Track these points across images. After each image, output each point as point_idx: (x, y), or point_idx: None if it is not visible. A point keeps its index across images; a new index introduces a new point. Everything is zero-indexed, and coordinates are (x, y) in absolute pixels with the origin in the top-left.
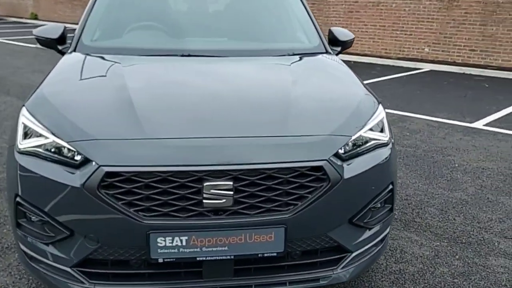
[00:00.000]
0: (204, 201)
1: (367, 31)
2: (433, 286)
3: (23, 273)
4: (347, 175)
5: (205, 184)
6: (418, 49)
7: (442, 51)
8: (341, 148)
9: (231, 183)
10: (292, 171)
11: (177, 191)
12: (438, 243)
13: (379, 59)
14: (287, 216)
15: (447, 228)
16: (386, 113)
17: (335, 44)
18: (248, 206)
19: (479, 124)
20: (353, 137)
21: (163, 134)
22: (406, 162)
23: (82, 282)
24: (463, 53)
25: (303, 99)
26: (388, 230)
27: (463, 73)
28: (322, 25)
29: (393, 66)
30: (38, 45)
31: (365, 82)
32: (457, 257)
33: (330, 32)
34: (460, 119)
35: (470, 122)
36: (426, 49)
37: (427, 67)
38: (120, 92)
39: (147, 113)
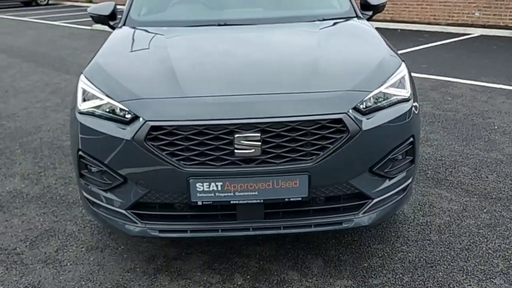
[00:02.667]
0: (235, 151)
1: None
2: (458, 236)
3: (87, 222)
4: (365, 127)
5: (236, 136)
6: (468, 13)
7: (494, 14)
8: (361, 103)
9: (259, 134)
10: (313, 123)
11: (212, 142)
12: (467, 199)
13: (427, 25)
14: (310, 164)
15: (478, 185)
16: (430, 79)
17: (367, 8)
18: (275, 156)
19: None
20: (373, 93)
21: (199, 93)
22: (445, 125)
23: (135, 222)
24: None
25: (327, 58)
26: (410, 180)
27: None
28: None
29: (441, 32)
30: (93, 27)
31: (411, 49)
32: (485, 210)
33: None
34: (505, 82)
35: None
36: (477, 14)
37: (477, 32)
38: (163, 60)
39: (186, 76)
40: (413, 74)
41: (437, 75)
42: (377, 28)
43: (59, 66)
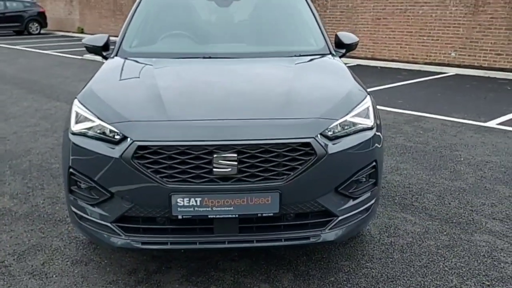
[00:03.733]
0: (214, 169)
1: (394, 37)
2: (418, 255)
3: (72, 238)
4: (331, 151)
5: (214, 156)
6: (445, 53)
7: (469, 55)
8: (328, 129)
9: (236, 155)
10: (285, 146)
11: (193, 162)
12: (430, 222)
13: (406, 64)
14: (281, 183)
15: (441, 211)
16: (404, 113)
17: (341, 46)
18: (250, 175)
19: (493, 123)
20: (339, 121)
21: (182, 117)
22: (415, 156)
23: (120, 235)
24: (489, 57)
25: (300, 89)
26: (373, 201)
27: (488, 77)
28: (350, 32)
29: (419, 70)
30: (84, 57)
31: (389, 86)
32: (445, 233)
33: (336, 36)
34: (474, 118)
35: (484, 122)
36: (453, 54)
37: (453, 71)
38: (151, 87)
39: (171, 102)
40: (389, 109)
41: (412, 110)
42: (358, 65)
43: (50, 93)
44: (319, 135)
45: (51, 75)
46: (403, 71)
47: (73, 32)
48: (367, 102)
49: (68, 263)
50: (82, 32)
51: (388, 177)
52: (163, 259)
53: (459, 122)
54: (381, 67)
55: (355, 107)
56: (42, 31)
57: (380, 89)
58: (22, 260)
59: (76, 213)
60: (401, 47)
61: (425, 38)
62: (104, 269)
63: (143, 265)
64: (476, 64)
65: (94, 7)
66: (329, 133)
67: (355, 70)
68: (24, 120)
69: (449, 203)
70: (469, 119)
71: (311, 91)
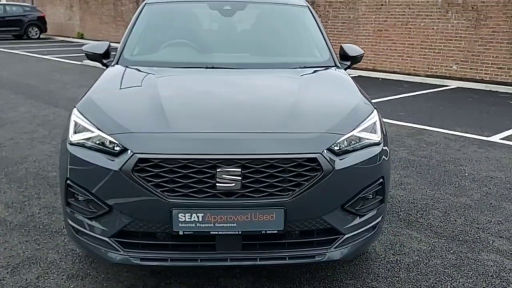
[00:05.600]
0: (217, 184)
1: (396, 49)
2: (425, 274)
3: (69, 250)
4: (338, 167)
5: (217, 170)
6: (446, 66)
7: (470, 68)
8: (335, 144)
9: (240, 170)
10: (290, 161)
11: (195, 176)
12: (436, 240)
13: (407, 76)
14: (286, 199)
15: (447, 228)
16: (406, 126)
17: (345, 59)
18: (254, 190)
19: (496, 138)
20: (346, 136)
21: (185, 129)
22: (419, 170)
23: (118, 250)
24: (490, 71)
25: (305, 102)
26: (380, 218)
27: (489, 90)
28: (352, 43)
29: (420, 83)
30: (83, 62)
31: (390, 98)
32: (451, 251)
33: (341, 48)
34: (478, 133)
35: (487, 136)
36: (454, 67)
37: (454, 84)
38: (153, 97)
39: (173, 113)
40: (391, 121)
41: (414, 123)
42: (359, 76)
43: (48, 99)
44: (325, 150)
45: (50, 80)
46: (404, 83)
47: (73, 38)
48: (374, 116)
49: (63, 277)
50: (82, 38)
51: (392, 192)
52: (162, 275)
53: (462, 136)
54: (382, 78)
55: (362, 121)
56: (41, 36)
57: (382, 101)
58: (16, 274)
59: (73, 227)
60: (402, 59)
61: (426, 50)
62: (101, 284)
63: (141, 281)
64: (477, 78)
65: (94, 13)
66: (336, 148)
67: (356, 81)
68: (21, 126)
69: (455, 220)
70: (473, 133)
71: (317, 104)
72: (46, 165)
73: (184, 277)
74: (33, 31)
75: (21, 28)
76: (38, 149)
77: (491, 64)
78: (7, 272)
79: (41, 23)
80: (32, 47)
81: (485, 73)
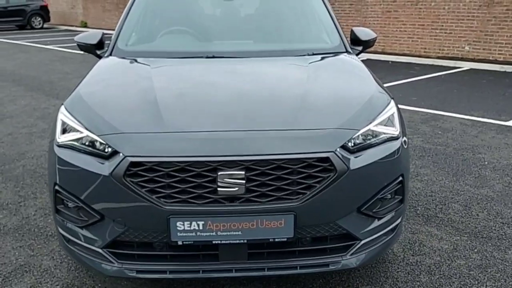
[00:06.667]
0: (219, 189)
1: (405, 31)
2: (448, 277)
3: (64, 257)
4: (353, 166)
5: (219, 173)
6: (458, 47)
7: (483, 49)
8: (349, 141)
9: (243, 172)
10: (300, 162)
11: (194, 180)
12: (458, 238)
13: (418, 58)
14: (296, 204)
15: (469, 223)
16: (420, 112)
17: (357, 43)
18: (260, 194)
19: None
20: (361, 131)
21: (182, 128)
22: (435, 160)
23: (112, 262)
24: (504, 51)
25: (315, 94)
26: (399, 220)
27: (504, 71)
28: (360, 26)
29: (432, 65)
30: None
31: (401, 82)
32: (475, 250)
33: (352, 32)
34: (495, 117)
35: (505, 121)
36: (467, 48)
37: (467, 65)
38: (147, 91)
39: (169, 109)
40: (403, 107)
41: (428, 108)
42: (368, 59)
43: (49, 90)
44: (338, 149)
45: (51, 71)
46: (415, 65)
47: (76, 26)
48: (392, 107)
49: (57, 287)
50: (85, 26)
51: (408, 184)
52: (163, 283)
53: (479, 121)
54: (392, 61)
55: (379, 114)
56: (45, 25)
57: (393, 85)
58: (8, 284)
59: (63, 236)
60: (412, 40)
61: (437, 31)
62: None
63: None
64: (491, 58)
65: (97, 1)
66: (350, 145)
67: (365, 65)
68: (21, 120)
69: (477, 215)
70: (490, 118)
71: (328, 96)
72: (44, 161)
73: (186, 285)
74: (36, 21)
75: (24, 18)
76: (37, 144)
77: (505, 44)
78: None
79: (44, 12)
80: (35, 37)
81: (499, 54)
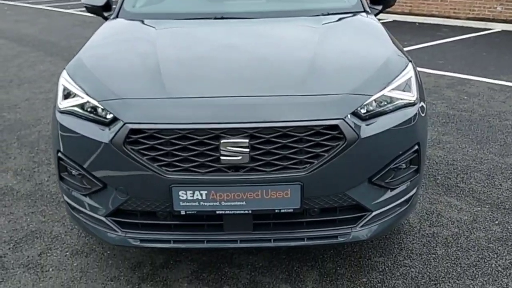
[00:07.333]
0: (221, 157)
1: None
2: (466, 250)
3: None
4: (364, 134)
5: (222, 141)
6: (490, 8)
7: None
8: (361, 107)
9: (247, 140)
10: (307, 129)
11: (196, 148)
12: (478, 208)
13: (447, 19)
14: (303, 174)
15: (491, 194)
16: (446, 76)
17: (376, 2)
18: (265, 164)
19: None
20: (374, 96)
21: (183, 93)
22: (459, 126)
23: (115, 231)
24: None
25: (326, 58)
26: (415, 190)
27: None
28: None
29: (461, 27)
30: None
31: (428, 44)
32: (496, 222)
33: None
34: None
35: None
36: (499, 8)
37: (498, 27)
38: (149, 55)
39: (171, 74)
40: (429, 71)
41: (454, 72)
42: (394, 21)
43: (68, 55)
44: (349, 115)
45: (71, 35)
46: (443, 27)
47: None
48: (409, 71)
49: (67, 253)
50: None
51: (429, 152)
52: (172, 251)
53: (508, 86)
54: (419, 23)
55: (395, 78)
56: None
57: (419, 48)
58: (18, 250)
59: (69, 204)
60: (441, 1)
61: None
62: (106, 262)
63: (149, 258)
64: None
65: None
66: (362, 111)
67: (391, 26)
68: (38, 85)
69: (500, 185)
70: None
71: (340, 59)
72: None
73: (195, 253)
74: None
75: None
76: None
77: None
78: (9, 248)
79: None
80: (56, 1)
81: None
